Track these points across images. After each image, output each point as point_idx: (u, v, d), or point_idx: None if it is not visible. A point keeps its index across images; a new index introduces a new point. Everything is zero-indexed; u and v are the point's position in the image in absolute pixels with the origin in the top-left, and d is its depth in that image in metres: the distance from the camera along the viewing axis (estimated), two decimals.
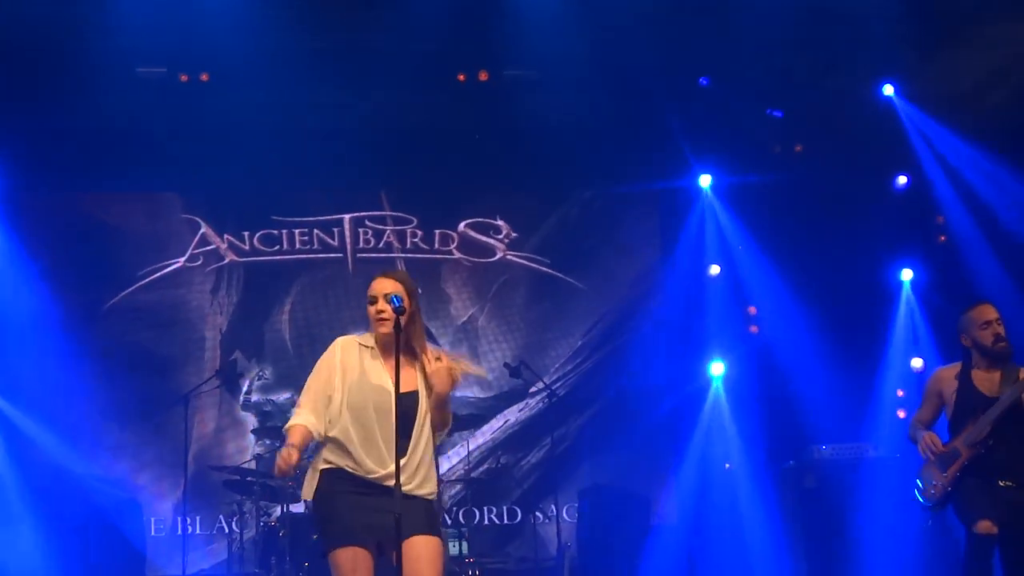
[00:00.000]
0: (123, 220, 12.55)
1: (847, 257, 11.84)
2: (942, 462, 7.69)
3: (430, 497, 6.16)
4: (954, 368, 8.00)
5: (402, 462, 5.90)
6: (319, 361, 6.22)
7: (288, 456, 5.94)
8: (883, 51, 11.42)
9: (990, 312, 7.83)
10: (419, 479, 6.09)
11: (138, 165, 12.01)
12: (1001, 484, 7.49)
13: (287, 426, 6.12)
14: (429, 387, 6.13)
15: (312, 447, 6.10)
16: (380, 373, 6.10)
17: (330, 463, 6.04)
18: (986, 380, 7.74)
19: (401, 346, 5.96)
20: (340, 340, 6.28)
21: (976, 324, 7.83)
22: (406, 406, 6.01)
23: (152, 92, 11.80)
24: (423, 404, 6.11)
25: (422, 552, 6.01)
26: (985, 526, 7.34)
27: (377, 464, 5.98)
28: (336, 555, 5.94)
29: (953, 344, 11.28)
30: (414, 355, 6.18)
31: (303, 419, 6.07)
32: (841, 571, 10.21)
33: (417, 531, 5.99)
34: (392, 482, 5.82)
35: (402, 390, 5.98)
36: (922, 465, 7.88)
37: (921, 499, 7.88)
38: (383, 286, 6.17)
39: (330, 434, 6.06)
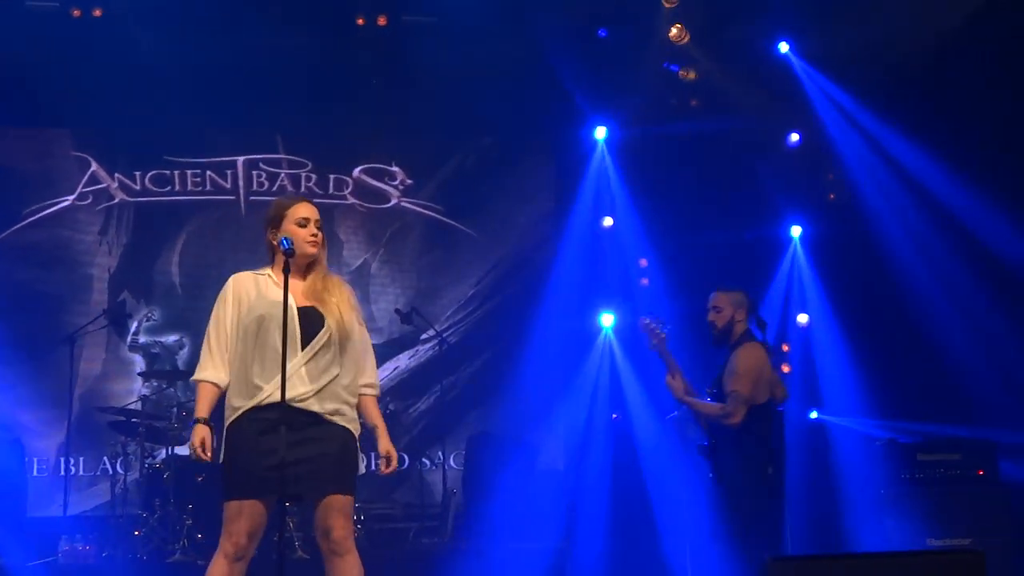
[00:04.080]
0: (10, 156, 12.31)
1: (738, 212, 11.94)
2: None
3: (349, 427, 6.01)
4: None
5: (299, 370, 5.85)
6: (215, 303, 6.13)
7: (203, 450, 5.89)
8: (779, 8, 11.52)
9: None
10: (332, 400, 5.95)
11: (27, 100, 11.78)
12: None
13: (195, 379, 6.04)
14: (340, 312, 6.02)
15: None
16: (277, 292, 5.94)
17: (236, 409, 5.93)
18: None
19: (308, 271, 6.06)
20: (233, 276, 6.17)
21: None
22: (309, 319, 5.94)
23: (44, 26, 11.59)
24: (331, 324, 5.97)
25: (329, 504, 5.95)
26: None
27: (274, 379, 5.82)
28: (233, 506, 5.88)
29: (838, 300, 11.57)
30: (324, 278, 6.13)
31: (211, 375, 5.99)
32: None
33: (328, 489, 5.91)
34: (302, 400, 5.82)
35: (305, 304, 5.97)
36: None
37: None
38: (315, 212, 6.19)
39: (232, 377, 5.98)
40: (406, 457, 12.29)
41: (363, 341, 6.21)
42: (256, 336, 5.92)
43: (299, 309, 5.96)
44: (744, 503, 8.00)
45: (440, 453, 11.79)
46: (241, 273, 6.19)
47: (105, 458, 11.67)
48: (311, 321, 5.96)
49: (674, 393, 8.39)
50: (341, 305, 6.06)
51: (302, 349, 5.90)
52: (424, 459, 12.20)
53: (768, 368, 8.19)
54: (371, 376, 6.23)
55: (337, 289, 6.15)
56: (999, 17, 10.63)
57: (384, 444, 6.12)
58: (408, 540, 11.30)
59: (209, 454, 5.91)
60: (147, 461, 10.75)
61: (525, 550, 10.50)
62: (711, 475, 8.27)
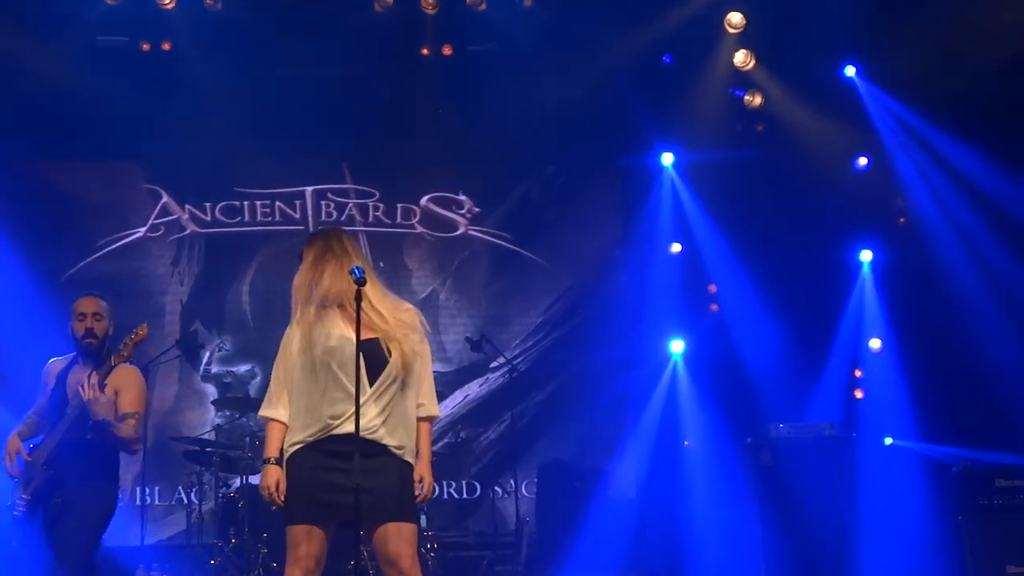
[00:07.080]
0: (84, 189, 12.51)
1: (807, 237, 11.88)
2: None
3: (407, 458, 5.92)
4: None
5: (367, 402, 5.77)
6: (284, 337, 6.08)
7: (277, 492, 5.87)
8: (844, 32, 11.50)
9: None
10: (397, 432, 5.89)
11: (100, 134, 11.98)
12: None
13: (262, 415, 6.00)
14: (404, 340, 5.92)
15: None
16: (343, 325, 5.90)
17: (300, 438, 5.87)
18: None
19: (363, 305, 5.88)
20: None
21: None
22: (372, 353, 5.85)
23: (114, 61, 11.76)
24: (396, 356, 5.89)
25: (391, 532, 5.82)
26: None
27: (343, 411, 5.79)
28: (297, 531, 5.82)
29: (909, 325, 11.51)
30: (391, 307, 6.02)
31: (280, 413, 5.95)
32: (797, 548, 10.28)
33: (391, 517, 5.82)
34: (370, 432, 5.74)
35: (371, 336, 5.87)
36: None
37: None
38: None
39: (294, 407, 5.91)
40: (478, 485, 12.34)
41: (425, 365, 6.13)
42: (323, 369, 5.86)
43: (365, 342, 5.85)
44: None
45: (512, 481, 11.77)
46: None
47: (180, 488, 11.70)
48: (377, 354, 5.89)
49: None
50: (406, 333, 5.99)
51: (370, 383, 5.83)
52: (496, 487, 12.17)
53: None
54: (427, 397, 6.12)
55: (403, 315, 6.07)
56: None
57: (420, 468, 6.01)
58: (481, 569, 11.28)
59: (283, 497, 5.86)
60: (222, 490, 10.82)
61: None
62: None
